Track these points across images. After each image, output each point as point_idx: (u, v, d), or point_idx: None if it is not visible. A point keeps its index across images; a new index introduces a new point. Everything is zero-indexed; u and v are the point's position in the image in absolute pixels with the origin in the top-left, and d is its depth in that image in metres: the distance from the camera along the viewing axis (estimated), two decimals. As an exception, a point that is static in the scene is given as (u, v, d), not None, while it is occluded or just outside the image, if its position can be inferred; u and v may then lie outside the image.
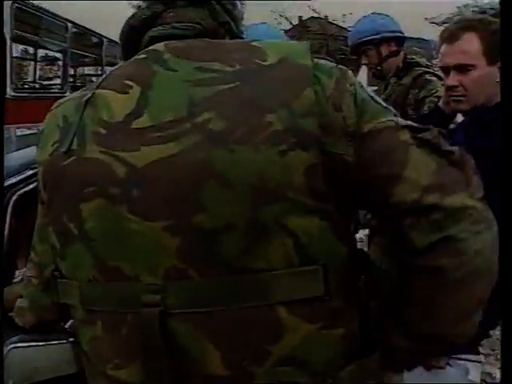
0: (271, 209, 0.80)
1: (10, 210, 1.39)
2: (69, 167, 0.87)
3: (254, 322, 0.82)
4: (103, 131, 0.86)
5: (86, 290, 0.89)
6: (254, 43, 0.90)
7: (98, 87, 0.90)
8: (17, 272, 1.15)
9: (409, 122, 0.89)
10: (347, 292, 0.88)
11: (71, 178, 0.86)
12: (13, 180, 1.46)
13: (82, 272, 0.88)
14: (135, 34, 0.96)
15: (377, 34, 2.88)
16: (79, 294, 0.90)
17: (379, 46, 2.90)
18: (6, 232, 1.34)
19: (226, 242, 0.80)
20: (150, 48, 0.92)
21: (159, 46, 0.91)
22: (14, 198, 1.42)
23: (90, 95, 0.90)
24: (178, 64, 0.87)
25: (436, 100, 2.36)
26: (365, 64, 2.99)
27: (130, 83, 0.87)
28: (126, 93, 0.87)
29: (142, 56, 0.91)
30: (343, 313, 0.87)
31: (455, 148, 0.89)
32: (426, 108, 2.56)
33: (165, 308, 0.82)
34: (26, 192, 1.48)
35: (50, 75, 14.43)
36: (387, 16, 3.03)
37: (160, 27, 0.93)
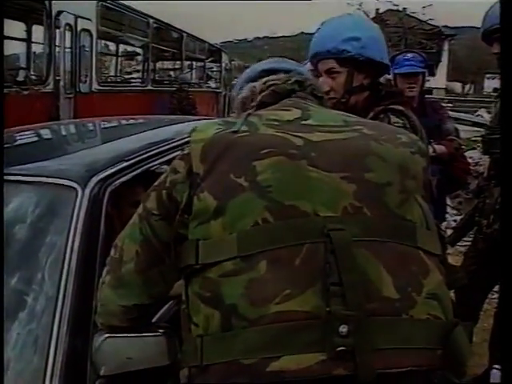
0: (411, 183, 1.10)
1: (105, 200, 1.43)
2: (240, 138, 1.09)
3: (409, 257, 1.03)
4: (275, 123, 1.14)
5: (249, 236, 1.00)
6: None
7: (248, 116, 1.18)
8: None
9: None
10: None
11: (243, 144, 1.08)
12: (107, 172, 1.49)
13: (246, 219, 1.01)
14: (277, 97, 1.29)
15: None
16: (237, 244, 1.00)
17: None
18: (102, 218, 1.39)
19: (388, 193, 1.07)
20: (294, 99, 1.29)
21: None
22: (110, 188, 1.45)
23: (247, 113, 1.20)
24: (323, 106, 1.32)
25: None
26: (496, 53, 2.51)
27: (290, 108, 1.21)
28: (289, 111, 1.20)
29: (290, 101, 1.27)
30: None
31: None
32: None
33: None
34: (121, 183, 1.51)
35: (129, 70, 14.93)
36: None
37: (298, 94, 1.31)
